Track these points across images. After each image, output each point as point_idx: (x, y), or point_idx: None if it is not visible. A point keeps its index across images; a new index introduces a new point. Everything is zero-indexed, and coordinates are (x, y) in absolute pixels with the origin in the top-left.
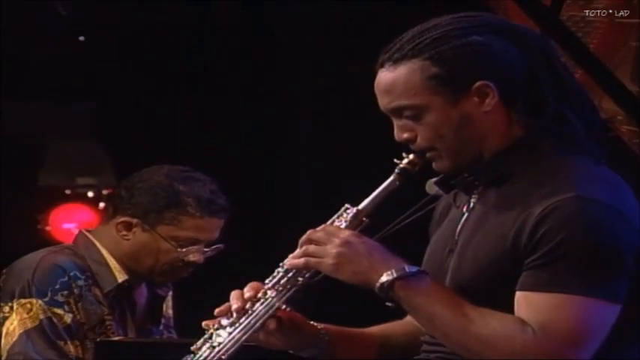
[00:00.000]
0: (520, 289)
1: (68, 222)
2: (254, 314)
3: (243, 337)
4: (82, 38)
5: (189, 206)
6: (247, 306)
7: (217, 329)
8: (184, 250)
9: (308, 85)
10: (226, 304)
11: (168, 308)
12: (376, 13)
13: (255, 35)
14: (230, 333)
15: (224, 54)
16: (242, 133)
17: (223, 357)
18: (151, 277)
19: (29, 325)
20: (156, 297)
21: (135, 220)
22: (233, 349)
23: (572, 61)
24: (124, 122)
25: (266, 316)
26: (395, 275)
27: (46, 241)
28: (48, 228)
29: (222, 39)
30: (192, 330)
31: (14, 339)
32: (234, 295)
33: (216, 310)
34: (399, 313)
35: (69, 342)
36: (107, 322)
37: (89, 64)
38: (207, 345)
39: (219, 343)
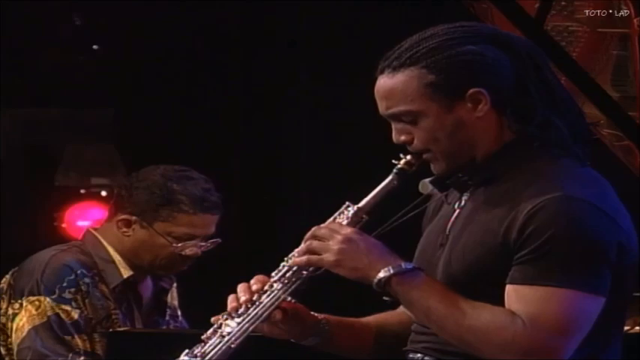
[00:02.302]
0: (510, 283)
1: (83, 220)
2: (261, 305)
3: (251, 327)
4: (95, 47)
5: (182, 204)
6: (254, 298)
7: (226, 319)
8: (180, 245)
9: (309, 86)
10: (234, 296)
11: (173, 299)
12: (375, 17)
13: (257, 38)
14: (239, 323)
15: (229, 58)
16: (245, 135)
17: (232, 346)
18: (152, 271)
19: (37, 321)
20: (160, 290)
21: (134, 218)
22: (241, 338)
23: (556, 68)
24: (135, 126)
25: (272, 307)
26: (392, 272)
27: (62, 237)
28: (64, 225)
29: (226, 44)
30: (198, 321)
31: (23, 334)
32: (241, 287)
33: (229, 308)
34: (395, 307)
35: (76, 336)
36: (114, 316)
37: (103, 73)
38: (217, 334)
39: (229, 333)
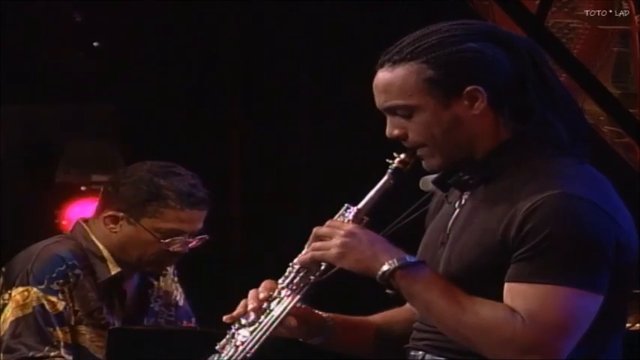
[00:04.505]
0: (508, 281)
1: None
2: (272, 314)
3: (265, 335)
4: (96, 44)
5: (169, 199)
6: (264, 305)
7: (238, 329)
8: (167, 240)
9: (309, 86)
10: (243, 305)
11: (167, 285)
12: (375, 17)
13: (257, 38)
14: (252, 332)
15: (229, 57)
16: (245, 134)
17: (248, 355)
18: (140, 267)
19: (20, 313)
20: (147, 284)
21: (121, 214)
22: (256, 347)
23: (556, 65)
24: (135, 123)
25: (283, 314)
26: (396, 264)
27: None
28: (64, 222)
29: (226, 43)
30: (198, 320)
31: (6, 326)
32: (250, 295)
33: (234, 313)
34: (398, 301)
35: (57, 328)
36: (101, 310)
37: (103, 69)
38: (231, 344)
39: (243, 342)
